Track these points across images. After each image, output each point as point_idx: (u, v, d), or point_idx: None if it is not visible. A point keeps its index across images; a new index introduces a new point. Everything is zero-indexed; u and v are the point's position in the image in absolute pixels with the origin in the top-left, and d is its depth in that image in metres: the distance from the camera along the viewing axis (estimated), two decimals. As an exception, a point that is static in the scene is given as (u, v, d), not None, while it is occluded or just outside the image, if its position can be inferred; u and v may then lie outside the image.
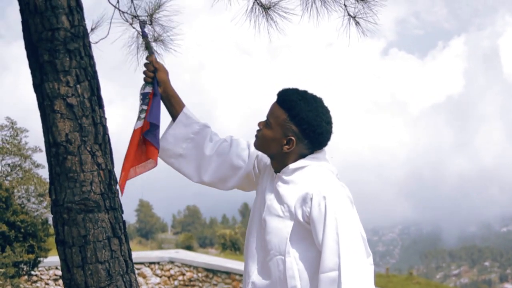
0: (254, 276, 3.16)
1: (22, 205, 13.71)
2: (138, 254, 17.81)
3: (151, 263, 16.68)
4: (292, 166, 3.05)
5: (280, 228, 3.04)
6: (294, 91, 3.06)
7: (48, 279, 15.47)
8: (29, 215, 13.10)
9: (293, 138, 3.01)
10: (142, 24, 3.48)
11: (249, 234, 3.33)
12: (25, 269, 13.14)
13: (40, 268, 15.05)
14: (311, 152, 3.11)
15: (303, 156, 3.10)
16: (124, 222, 3.33)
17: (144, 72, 3.54)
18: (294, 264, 3.00)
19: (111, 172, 3.24)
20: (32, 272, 14.41)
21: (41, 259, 13.22)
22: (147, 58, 3.59)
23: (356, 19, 4.30)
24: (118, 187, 3.31)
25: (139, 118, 3.57)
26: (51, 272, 15.37)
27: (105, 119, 3.28)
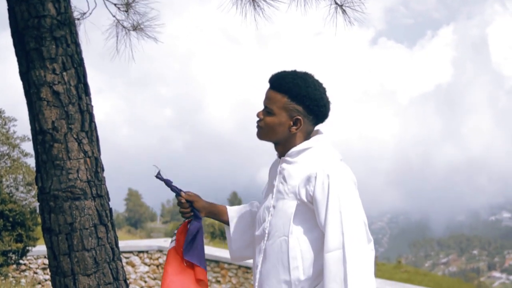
0: (260, 264, 3.17)
1: (11, 194, 13.67)
2: (127, 243, 17.79)
3: (140, 252, 16.67)
4: (296, 148, 3.05)
5: (284, 209, 3.03)
6: (286, 73, 3.06)
7: (36, 268, 15.44)
8: (18, 204, 13.07)
9: (299, 117, 3.01)
10: (159, 175, 3.44)
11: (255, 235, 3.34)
12: (13, 258, 13.11)
13: (28, 257, 15.01)
14: (315, 125, 3.13)
15: (309, 133, 3.11)
16: (110, 209, 3.33)
17: (181, 211, 3.51)
18: (297, 244, 3.00)
19: (97, 160, 3.23)
20: (21, 261, 14.39)
21: (30, 248, 13.19)
22: (177, 199, 3.54)
23: (343, 7, 4.30)
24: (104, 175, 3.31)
25: (172, 241, 3.52)
26: (39, 261, 15.34)
27: (92, 106, 3.27)
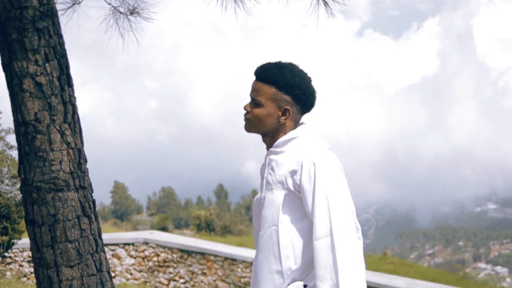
0: (256, 258, 3.18)
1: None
2: (113, 236, 17.76)
3: (125, 244, 16.64)
4: (283, 138, 3.06)
5: (273, 199, 3.05)
6: (272, 65, 3.07)
7: (22, 261, 15.39)
8: (3, 197, 13.02)
9: (288, 107, 3.02)
10: None
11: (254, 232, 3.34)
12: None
13: (14, 250, 14.96)
14: (302, 114, 3.14)
15: (297, 122, 3.12)
16: (94, 201, 3.32)
17: None
18: (287, 234, 3.00)
19: (80, 151, 3.23)
20: (6, 254, 14.34)
21: (15, 241, 13.13)
22: None
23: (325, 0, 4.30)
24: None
25: None
26: (25, 254, 15.29)
27: (75, 98, 3.27)
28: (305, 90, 3.05)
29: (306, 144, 3.04)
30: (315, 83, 3.15)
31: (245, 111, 3.14)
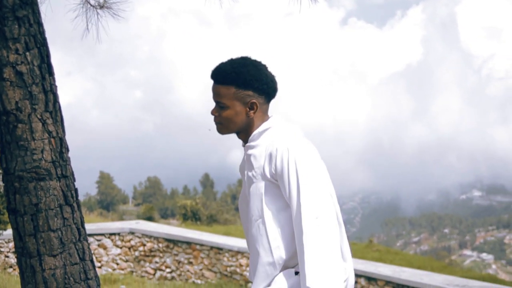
0: (250, 253, 3.19)
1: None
2: (99, 226, 17.73)
3: (111, 234, 16.61)
4: (257, 130, 3.07)
5: (256, 192, 3.05)
6: (225, 65, 3.07)
7: (7, 252, 15.36)
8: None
9: (253, 101, 3.02)
10: None
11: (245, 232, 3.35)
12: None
13: (-1, 241, 14.94)
14: (269, 102, 3.14)
15: (266, 112, 3.12)
16: (76, 190, 3.32)
17: None
18: (273, 224, 3.01)
19: (62, 140, 3.22)
20: (-9, 245, 14.32)
21: (0, 231, 13.12)
22: None
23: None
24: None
25: None
26: (10, 244, 15.25)
27: (56, 86, 3.25)
28: (264, 80, 3.05)
29: (279, 133, 3.05)
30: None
31: (213, 116, 3.15)
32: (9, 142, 3.11)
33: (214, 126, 3.15)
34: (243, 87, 3.02)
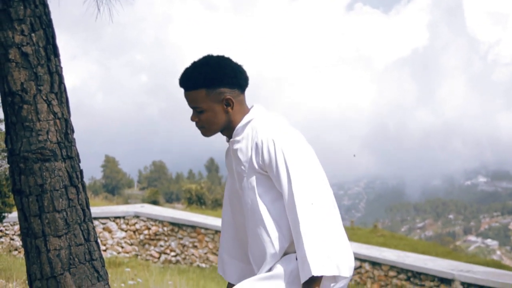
0: (250, 248, 3.18)
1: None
2: (104, 209, 17.78)
3: (116, 217, 16.66)
4: (240, 124, 3.05)
5: (248, 186, 3.05)
6: (189, 70, 3.04)
7: (13, 234, 15.41)
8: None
9: (228, 97, 3.00)
10: None
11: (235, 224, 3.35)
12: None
13: (4, 224, 14.98)
14: (243, 92, 3.12)
15: (243, 103, 3.10)
16: (81, 171, 3.32)
17: None
18: (270, 216, 3.01)
19: (67, 121, 3.22)
20: (-3, 228, 14.37)
21: (6, 214, 13.14)
22: None
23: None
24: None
25: None
26: (15, 227, 15.30)
27: (61, 68, 3.26)
28: (231, 73, 3.03)
29: (262, 123, 3.04)
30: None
31: (194, 122, 3.14)
32: (15, 123, 3.11)
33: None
34: (213, 87, 3.00)
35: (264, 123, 3.03)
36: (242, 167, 3.06)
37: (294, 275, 2.98)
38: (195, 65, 3.05)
